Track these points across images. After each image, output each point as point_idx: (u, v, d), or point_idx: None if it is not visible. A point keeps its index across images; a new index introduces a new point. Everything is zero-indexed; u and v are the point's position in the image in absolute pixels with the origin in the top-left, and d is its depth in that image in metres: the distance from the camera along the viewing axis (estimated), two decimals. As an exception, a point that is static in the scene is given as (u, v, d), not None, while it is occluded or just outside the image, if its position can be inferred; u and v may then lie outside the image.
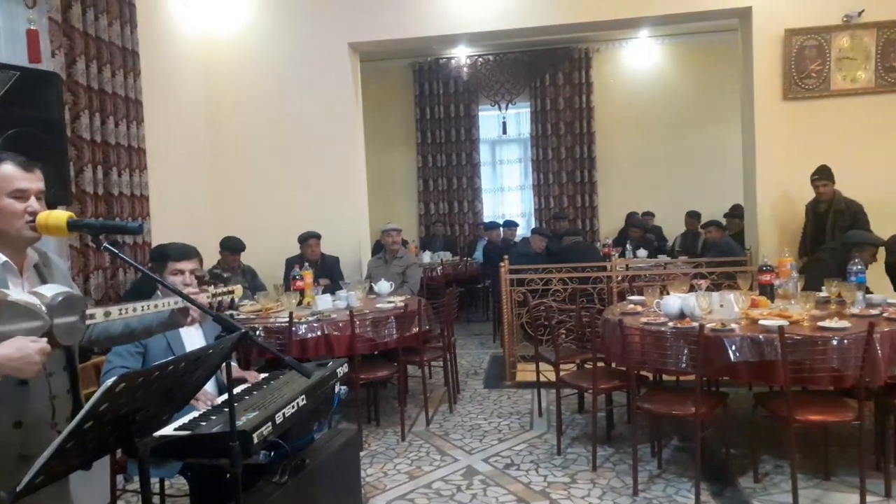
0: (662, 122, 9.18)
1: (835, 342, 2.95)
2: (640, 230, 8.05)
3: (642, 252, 7.24)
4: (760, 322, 3.22)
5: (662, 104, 9.20)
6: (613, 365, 3.90)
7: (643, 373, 3.75)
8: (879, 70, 4.98)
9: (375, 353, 4.49)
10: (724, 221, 7.25)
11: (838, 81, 5.06)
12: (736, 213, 7.03)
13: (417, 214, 9.95)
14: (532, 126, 9.55)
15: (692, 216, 7.97)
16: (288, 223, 5.91)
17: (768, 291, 3.79)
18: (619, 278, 5.50)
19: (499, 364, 5.77)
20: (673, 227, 8.48)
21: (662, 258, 6.98)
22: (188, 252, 2.85)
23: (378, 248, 6.49)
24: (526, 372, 5.33)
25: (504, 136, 9.65)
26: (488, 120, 9.81)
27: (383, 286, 5.14)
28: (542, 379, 4.46)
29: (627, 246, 7.27)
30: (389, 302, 4.66)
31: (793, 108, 5.24)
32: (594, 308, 5.04)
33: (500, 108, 9.50)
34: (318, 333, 4.08)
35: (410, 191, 9.92)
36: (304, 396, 2.29)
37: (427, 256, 8.19)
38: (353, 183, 6.15)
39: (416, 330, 4.41)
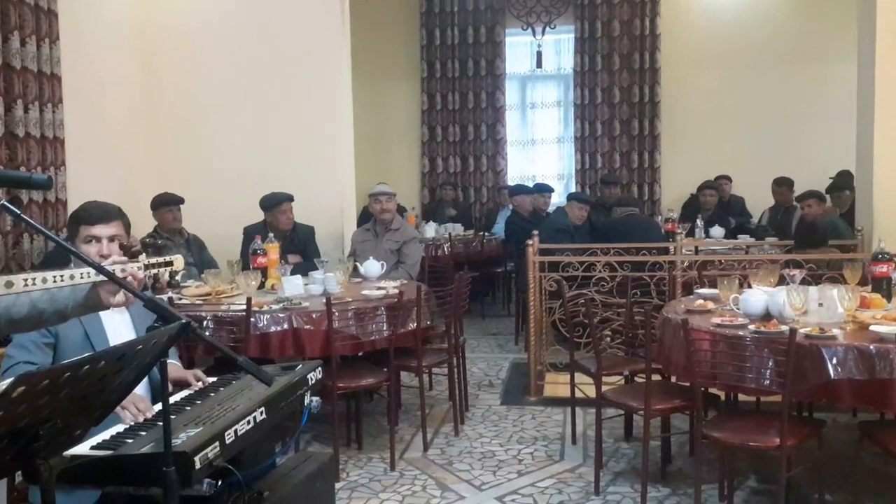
0: (750, 58, 9.11)
1: (968, 357, 2.92)
2: (714, 199, 8.00)
3: (717, 230, 7.21)
4: (872, 328, 3.19)
5: (751, 35, 9.12)
6: (673, 379, 3.89)
7: (712, 390, 3.76)
8: None
9: (359, 354, 4.51)
10: (826, 194, 7.19)
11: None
12: (844, 182, 6.97)
13: (420, 173, 9.95)
14: (576, 58, 9.49)
15: (783, 185, 7.92)
16: (249, 182, 5.91)
17: (884, 287, 3.76)
18: (686, 264, 5.48)
19: (521, 373, 5.80)
20: (759, 199, 8.45)
21: (744, 239, 6.94)
22: (107, 213, 2.84)
23: (366, 216, 6.50)
24: (557, 385, 5.35)
25: (539, 71, 9.62)
26: (518, 48, 9.76)
27: (372, 267, 5.15)
28: (579, 395, 4.46)
29: (698, 222, 7.24)
30: (379, 288, 4.68)
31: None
32: (650, 303, 5.05)
33: (534, 33, 9.43)
34: (285, 327, 4.10)
35: (411, 142, 9.91)
36: (263, 409, 2.30)
37: (431, 229, 8.23)
38: (335, 130, 6.14)
39: (413, 326, 4.42)
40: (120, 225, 2.86)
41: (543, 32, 9.36)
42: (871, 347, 3.04)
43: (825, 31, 8.62)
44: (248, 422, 2.21)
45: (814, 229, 6.23)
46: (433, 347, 4.94)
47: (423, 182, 9.92)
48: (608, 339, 5.26)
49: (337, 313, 4.14)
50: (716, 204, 8.06)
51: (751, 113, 9.15)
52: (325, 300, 4.14)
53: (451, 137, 9.80)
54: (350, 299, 4.38)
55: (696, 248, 6.33)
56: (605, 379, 4.38)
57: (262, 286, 4.65)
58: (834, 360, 3.07)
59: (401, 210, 8.54)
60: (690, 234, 7.22)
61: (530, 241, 5.44)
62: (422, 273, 5.69)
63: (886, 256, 3.83)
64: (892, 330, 3.08)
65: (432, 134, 9.81)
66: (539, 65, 9.38)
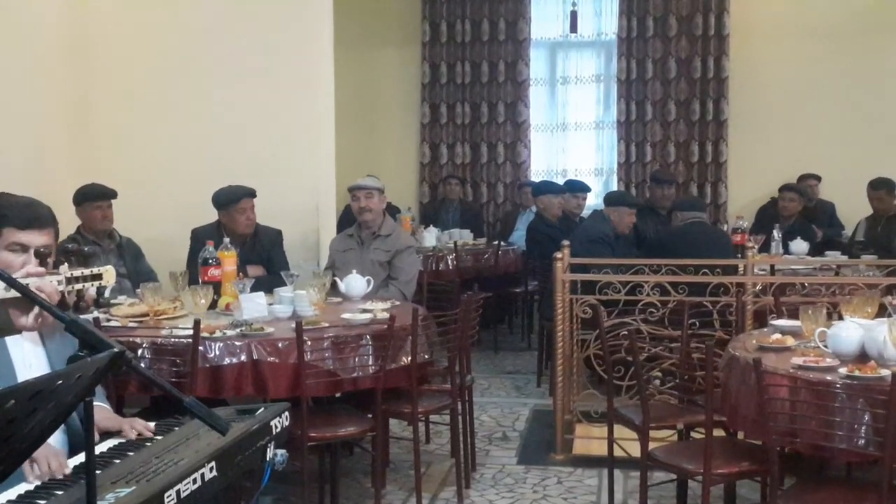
0: (848, 26, 9.14)
1: None
2: (796, 205, 8.00)
3: (800, 245, 7.22)
4: None
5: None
6: (741, 435, 3.88)
7: (792, 451, 3.74)
8: None
9: (338, 395, 4.50)
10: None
11: None
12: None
13: (418, 164, 10.00)
14: (621, 21, 9.54)
15: (881, 188, 7.89)
16: (200, 173, 5.93)
17: None
18: (759, 288, 5.49)
19: (545, 424, 5.81)
20: (854, 205, 8.44)
21: (834, 257, 6.95)
22: (40, 217, 2.82)
23: (349, 219, 6.51)
24: (591, 440, 5.35)
25: (573, 37, 9.67)
26: (547, 7, 9.85)
27: (355, 283, 5.16)
28: (618, 453, 4.46)
29: (775, 234, 7.25)
30: (364, 310, 4.69)
31: None
32: (713, 337, 5.05)
33: (567, -10, 9.49)
34: (243, 358, 4.10)
35: (409, 125, 9.97)
36: (213, 465, 2.31)
37: (431, 236, 8.26)
38: (311, 110, 6.18)
39: (407, 361, 4.42)
40: (52, 233, 2.85)
41: (580, -11, 9.42)
42: None
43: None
44: (195, 480, 2.22)
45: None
46: (432, 389, 4.94)
47: (423, 176, 9.97)
48: (658, 382, 5.27)
49: (310, 342, 4.14)
50: (799, 211, 8.05)
51: (846, 96, 9.19)
52: (294, 325, 4.14)
53: (459, 119, 9.86)
54: (326, 324, 4.39)
55: (772, 266, 6.33)
56: (652, 434, 4.39)
57: (213, 305, 4.66)
58: (950, 416, 3.06)
59: (393, 211, 8.64)
60: (765, 248, 7.22)
61: (559, 254, 5.45)
62: (419, 292, 5.69)
63: None
64: None
65: (435, 114, 9.87)
66: (574, 29, 9.43)
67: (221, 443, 2.44)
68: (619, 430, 4.45)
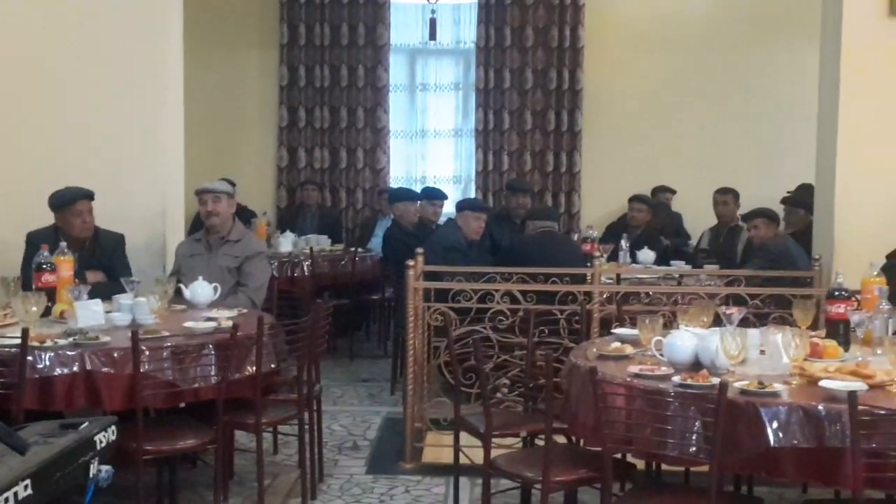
0: (696, 40, 9.41)
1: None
2: (645, 215, 8.21)
3: (647, 254, 7.39)
4: (822, 384, 3.30)
5: (698, 11, 9.42)
6: (582, 443, 3.91)
7: (631, 458, 3.81)
8: None
9: (182, 405, 4.39)
10: (780, 212, 7.49)
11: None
12: (802, 198, 7.27)
13: (276, 168, 9.86)
14: (480, 30, 9.61)
15: (727, 193, 8.18)
16: (37, 173, 5.72)
17: (840, 332, 3.91)
18: (605, 296, 5.58)
19: (397, 432, 5.76)
20: (702, 216, 8.71)
21: (678, 266, 7.14)
22: None
23: (200, 223, 6.35)
24: (442, 448, 5.32)
25: (432, 44, 9.68)
26: (407, 13, 9.82)
27: (201, 290, 5.06)
28: (465, 461, 4.46)
29: (622, 243, 7.41)
30: (209, 319, 4.61)
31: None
32: (560, 345, 5.12)
33: (427, -4, 9.49)
34: (76, 369, 3.98)
35: (266, 128, 9.83)
36: (28, 483, 2.26)
37: (288, 241, 8.15)
38: (158, 109, 6.00)
39: (251, 370, 4.35)
40: None
41: (440, -5, 9.44)
42: (820, 408, 3.13)
43: (787, 13, 8.95)
44: (7, 500, 2.17)
45: (762, 255, 6.47)
46: (279, 399, 4.85)
47: (280, 180, 9.81)
48: (505, 389, 5.32)
49: (148, 352, 4.06)
50: (647, 221, 8.25)
51: (696, 110, 9.43)
52: (130, 335, 4.01)
53: (318, 123, 9.73)
54: (167, 333, 4.30)
55: (618, 275, 6.46)
56: (498, 441, 4.42)
57: (47, 313, 4.48)
58: (774, 424, 3.14)
59: (249, 216, 8.49)
60: (614, 257, 7.36)
61: (411, 262, 5.43)
62: (269, 300, 5.59)
63: (845, 294, 4.00)
64: (845, 386, 3.20)
65: (293, 118, 9.71)
66: (433, 36, 9.41)
67: (38, 460, 2.35)
68: (467, 438, 4.46)
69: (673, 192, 9.26)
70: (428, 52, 9.92)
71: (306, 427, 4.74)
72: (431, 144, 10.09)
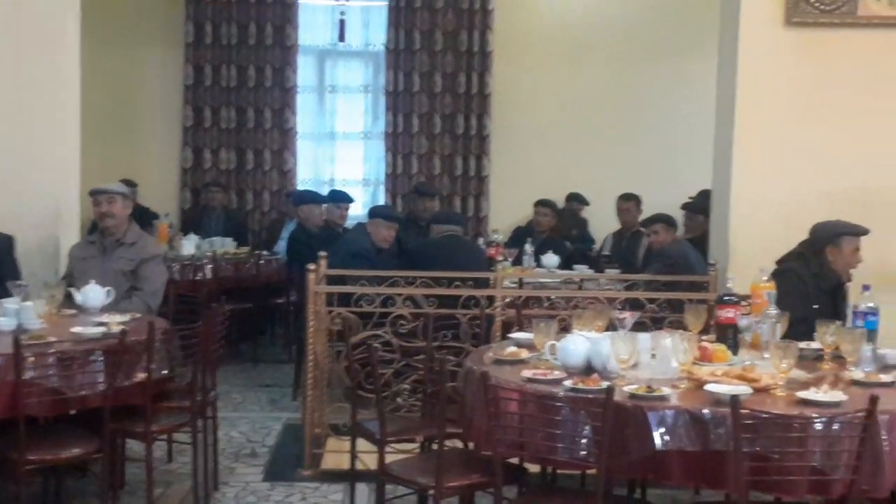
0: (602, 50, 9.50)
1: (818, 426, 3.11)
2: (549, 220, 8.26)
3: (551, 259, 7.42)
4: (708, 387, 3.33)
5: (604, 22, 9.51)
6: (475, 447, 3.89)
7: (528, 463, 3.81)
8: (938, -12, 5.42)
9: (73, 412, 4.24)
10: (680, 217, 7.62)
11: (870, 1, 5.45)
12: (701, 204, 7.39)
13: (180, 169, 9.66)
14: (389, 32, 9.57)
15: (630, 199, 8.29)
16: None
17: (729, 336, 3.96)
18: (507, 300, 5.58)
19: (297, 439, 5.67)
20: (609, 221, 8.79)
21: (580, 270, 7.19)
22: None
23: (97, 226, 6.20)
24: (341, 454, 5.23)
25: (341, 46, 9.61)
26: (316, 14, 9.74)
27: (93, 294, 4.93)
28: (361, 467, 4.41)
29: (526, 247, 7.43)
30: (99, 323, 4.48)
31: (800, 40, 5.55)
32: (463, 349, 5.10)
33: (336, -3, 9.43)
34: (-48, 375, 3.84)
35: (170, 128, 9.64)
36: None
37: (190, 244, 7.99)
38: (53, 108, 5.88)
39: (142, 377, 4.24)
40: None
41: (349, -3, 9.38)
42: (706, 412, 3.17)
43: (694, 20, 9.04)
44: None
45: (661, 260, 6.56)
46: (172, 406, 4.73)
47: (185, 181, 9.62)
48: (406, 394, 5.28)
49: (32, 358, 3.92)
50: (552, 226, 8.30)
51: (601, 116, 9.50)
52: (12, 339, 3.87)
53: (224, 124, 9.57)
54: (53, 339, 4.17)
55: (521, 280, 6.47)
56: (399, 447, 4.39)
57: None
58: (662, 428, 3.17)
59: (150, 217, 8.31)
60: (519, 261, 7.39)
61: (312, 266, 5.35)
62: (165, 303, 5.46)
63: (734, 299, 4.05)
64: (730, 390, 3.24)
65: (199, 118, 9.53)
66: (342, 38, 9.35)
67: None
68: (364, 446, 4.41)
69: (586, 203, 9.33)
70: (337, 53, 9.84)
71: (200, 434, 4.63)
72: (340, 147, 10.02)
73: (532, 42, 9.57)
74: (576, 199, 9.37)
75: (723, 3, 5.95)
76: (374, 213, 6.91)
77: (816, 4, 5.42)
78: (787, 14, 5.45)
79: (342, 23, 9.31)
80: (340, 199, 8.03)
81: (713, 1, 6.24)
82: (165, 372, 4.50)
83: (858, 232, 4.67)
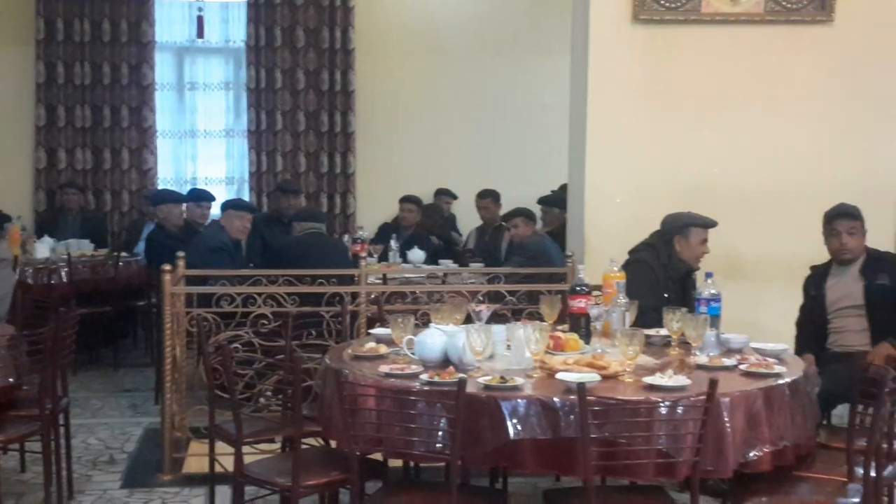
0: (463, 47, 9.59)
1: (663, 410, 3.21)
2: (415, 216, 8.28)
3: (417, 254, 7.45)
4: (559, 376, 3.40)
5: (464, 20, 9.61)
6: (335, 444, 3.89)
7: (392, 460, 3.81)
8: (772, -12, 5.63)
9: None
10: (539, 211, 7.75)
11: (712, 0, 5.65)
12: (559, 197, 7.53)
13: (33, 171, 9.35)
14: (249, 29, 9.43)
15: (487, 197, 8.41)
16: None
17: (582, 326, 4.05)
18: (372, 297, 5.58)
19: (158, 444, 5.54)
20: (475, 216, 8.86)
21: (445, 265, 7.24)
22: None
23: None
24: (204, 457, 5.08)
25: (201, 43, 9.43)
26: (173, 10, 9.56)
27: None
28: (223, 470, 4.33)
29: (392, 243, 7.45)
30: (-59, 331, 4.26)
31: (647, 36, 5.69)
32: (327, 347, 5.06)
33: (194, -8, 9.25)
34: None
35: (22, 127, 9.31)
36: None
37: (45, 247, 7.76)
38: None
39: (-16, 385, 4.09)
40: None
41: (208, -8, 9.21)
42: (556, 400, 3.22)
43: (550, 17, 9.18)
44: None
45: (522, 253, 6.66)
46: (21, 414, 4.54)
47: (38, 182, 9.28)
48: (269, 394, 5.21)
49: None
50: (418, 222, 8.34)
51: (465, 112, 9.61)
52: None
53: (80, 123, 9.27)
54: None
55: (385, 276, 6.48)
56: (261, 447, 4.33)
57: None
58: (514, 417, 3.21)
59: (2, 220, 7.96)
60: (385, 257, 7.39)
61: (168, 266, 5.21)
62: (13, 310, 5.25)
63: (585, 289, 4.13)
64: (579, 378, 3.30)
65: (52, 117, 9.21)
66: (200, 34, 9.16)
67: None
68: (225, 448, 4.34)
69: (454, 197, 9.39)
70: (196, 50, 9.64)
71: (52, 443, 4.47)
72: (202, 145, 9.82)
73: (394, 39, 9.58)
74: (444, 194, 9.44)
75: (574, 1, 6.07)
76: (226, 205, 6.91)
77: (662, 2, 5.55)
78: (635, 11, 5.57)
79: (200, 19, 9.11)
80: (201, 197, 7.88)
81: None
82: (12, 380, 4.32)
83: (706, 224, 4.82)
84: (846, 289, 4.75)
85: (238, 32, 9.54)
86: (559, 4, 7.52)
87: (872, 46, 5.71)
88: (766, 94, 5.72)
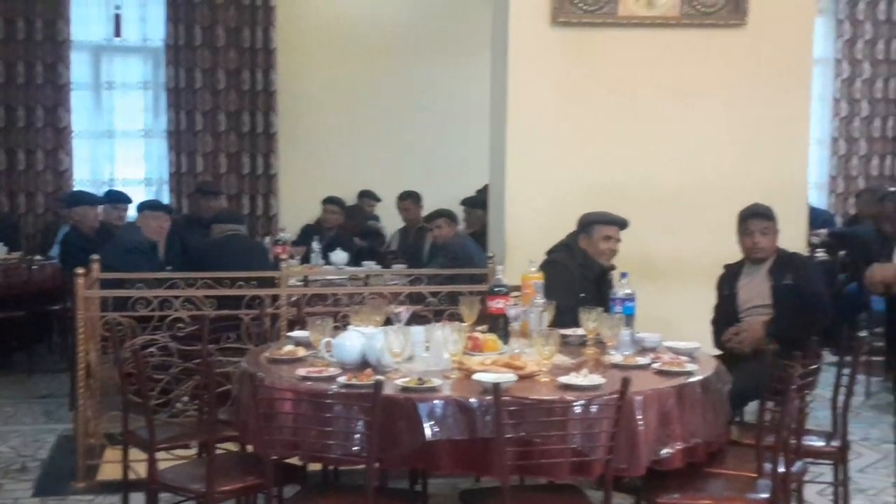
0: (386, 48, 9.60)
1: (577, 409, 3.24)
2: (338, 217, 8.26)
3: (340, 256, 7.42)
4: (475, 377, 3.41)
5: (386, 21, 9.62)
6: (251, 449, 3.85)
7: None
8: (687, -9, 5.73)
9: None
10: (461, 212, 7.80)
11: (629, 2, 5.71)
12: (479, 198, 7.58)
13: (-56, 171, 9.07)
14: (168, 27, 9.31)
15: (407, 198, 8.43)
16: None
17: (500, 326, 4.07)
18: (294, 299, 5.54)
19: (72, 451, 5.42)
20: (399, 218, 8.86)
21: (368, 267, 7.23)
22: None
23: None
24: (119, 464, 5.03)
25: (119, 41, 9.30)
26: (89, 8, 9.39)
27: None
28: (135, 477, 4.27)
29: (314, 245, 7.41)
30: None
31: (566, 39, 5.76)
32: (247, 351, 5.01)
33: (111, -9, 9.10)
34: None
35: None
36: None
37: (-45, 252, 7.52)
38: None
39: None
40: None
41: (126, -9, 9.06)
42: (472, 401, 3.23)
43: (473, 19, 9.20)
44: None
45: (444, 254, 6.69)
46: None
47: (-50, 185, 9.04)
48: (186, 398, 5.14)
49: None
50: (340, 223, 8.31)
51: (388, 113, 9.61)
52: None
53: (-6, 124, 9.06)
54: None
55: (306, 278, 6.45)
56: (178, 452, 4.26)
57: None
58: (431, 419, 3.21)
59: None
60: (307, 259, 7.35)
61: (81, 270, 5.11)
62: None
63: (503, 290, 4.16)
64: (495, 378, 3.32)
65: (-37, 117, 8.98)
66: (118, 33, 9.04)
67: None
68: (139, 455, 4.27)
69: (378, 199, 9.38)
70: (114, 49, 9.49)
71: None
72: (120, 146, 9.67)
73: (316, 39, 9.55)
74: (367, 196, 9.43)
75: (494, 3, 6.11)
76: (141, 206, 6.86)
77: (580, 4, 5.62)
78: (553, 14, 5.62)
79: (118, 17, 9.00)
80: (117, 199, 7.78)
81: (490, 1, 6.41)
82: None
83: (609, 220, 4.89)
84: (756, 288, 4.86)
85: (157, 31, 9.42)
86: (480, 6, 7.57)
87: (784, 50, 5.84)
88: (681, 97, 5.81)
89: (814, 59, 6.39)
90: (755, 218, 4.85)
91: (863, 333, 6.56)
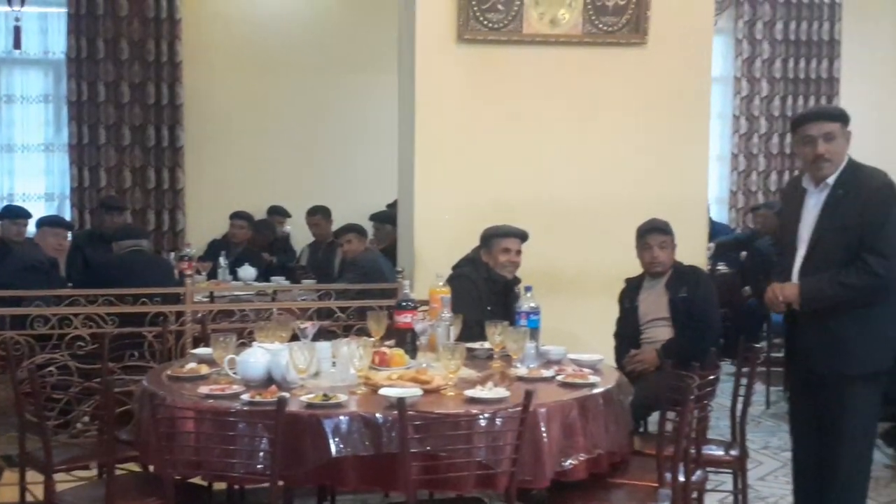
0: (291, 63, 9.54)
1: (482, 422, 3.26)
2: (246, 232, 8.17)
3: (248, 271, 7.34)
4: (381, 391, 3.41)
5: (291, 36, 9.57)
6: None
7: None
8: (589, 10, 5.79)
9: None
10: (371, 227, 7.79)
11: (533, 21, 5.78)
12: (389, 214, 7.59)
13: None
14: (70, 40, 9.09)
15: (316, 213, 8.40)
16: None
17: (408, 341, 4.08)
18: (199, 316, 5.46)
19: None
20: (309, 233, 8.80)
21: (277, 282, 7.17)
22: None
23: None
24: (17, 486, 4.92)
25: (18, 54, 9.05)
26: (-12, 21, 9.08)
27: None
28: (32, 499, 4.15)
29: (221, 260, 7.32)
30: None
31: (471, 56, 5.80)
32: (149, 369, 4.92)
33: (9, 2, 8.83)
34: None
35: None
36: None
37: None
38: None
39: None
40: None
41: (23, 2, 8.81)
42: (378, 416, 3.24)
43: (383, 34, 9.19)
44: None
45: (354, 269, 6.67)
46: None
47: None
48: (86, 419, 5.02)
49: None
50: (249, 238, 8.23)
51: (297, 128, 9.52)
52: None
53: None
54: None
55: (212, 294, 6.36)
56: (78, 474, 4.16)
57: None
58: (336, 435, 3.20)
59: None
60: (214, 275, 7.26)
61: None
62: None
63: (410, 305, 4.17)
64: (401, 393, 3.32)
65: None
66: (17, 45, 8.80)
67: None
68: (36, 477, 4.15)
69: (287, 215, 9.31)
70: (13, 61, 9.23)
71: None
72: (19, 159, 9.39)
73: (223, 53, 9.42)
74: (276, 213, 9.34)
75: (401, 20, 6.13)
76: (40, 222, 6.70)
77: (485, 22, 5.67)
78: (459, 31, 5.66)
79: (17, 29, 8.73)
80: (16, 214, 7.51)
81: (397, 17, 6.43)
82: None
83: (507, 233, 4.95)
84: (655, 302, 4.97)
85: (58, 44, 9.18)
86: (388, 22, 7.55)
87: (684, 68, 5.97)
88: (584, 113, 5.89)
89: (713, 77, 6.57)
90: (653, 233, 4.96)
91: (761, 344, 6.76)
